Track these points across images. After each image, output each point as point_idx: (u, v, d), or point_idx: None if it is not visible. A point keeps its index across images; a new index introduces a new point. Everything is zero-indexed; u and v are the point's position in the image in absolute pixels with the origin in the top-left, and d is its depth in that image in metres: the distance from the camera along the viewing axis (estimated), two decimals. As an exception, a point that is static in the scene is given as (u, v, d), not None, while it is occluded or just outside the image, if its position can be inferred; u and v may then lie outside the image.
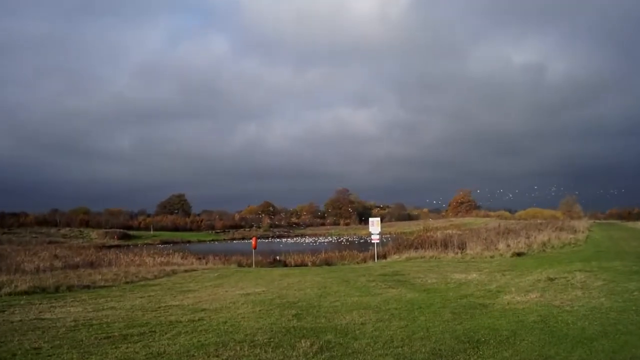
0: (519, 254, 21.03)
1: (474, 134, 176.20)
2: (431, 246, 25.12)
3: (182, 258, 26.32)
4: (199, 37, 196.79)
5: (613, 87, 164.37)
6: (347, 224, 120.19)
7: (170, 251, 31.00)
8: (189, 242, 70.67)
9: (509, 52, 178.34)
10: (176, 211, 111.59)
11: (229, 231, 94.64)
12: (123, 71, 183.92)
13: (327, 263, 23.94)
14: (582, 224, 41.72)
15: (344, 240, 59.22)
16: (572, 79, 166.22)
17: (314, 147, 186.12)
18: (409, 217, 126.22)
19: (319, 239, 67.24)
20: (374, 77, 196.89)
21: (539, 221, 49.47)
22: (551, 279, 11.47)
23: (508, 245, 23.53)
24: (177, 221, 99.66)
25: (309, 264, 24.05)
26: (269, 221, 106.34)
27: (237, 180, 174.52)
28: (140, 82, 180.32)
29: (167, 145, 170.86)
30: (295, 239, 71.91)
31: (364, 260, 24.09)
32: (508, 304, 8.97)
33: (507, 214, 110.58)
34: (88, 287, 13.66)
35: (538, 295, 9.61)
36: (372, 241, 24.80)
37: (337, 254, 26.63)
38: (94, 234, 73.46)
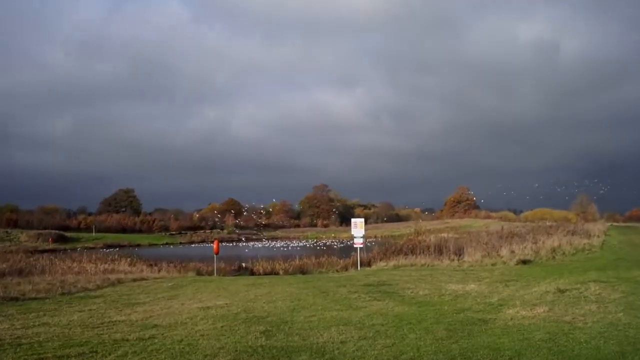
0: (524, 262, 21.38)
1: (476, 122, 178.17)
2: (423, 252, 25.44)
3: (130, 265, 26.29)
4: (149, 2, 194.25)
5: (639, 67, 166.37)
6: (325, 226, 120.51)
7: (116, 256, 30.73)
8: (138, 245, 70.59)
9: (515, 27, 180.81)
10: (123, 209, 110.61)
11: (186, 233, 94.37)
12: (57, 43, 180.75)
13: (302, 271, 24.13)
14: (598, 227, 42.39)
15: (322, 244, 59.18)
16: (589, 58, 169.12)
17: (288, 136, 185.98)
18: (398, 218, 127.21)
19: (292, 242, 67.43)
20: (360, 55, 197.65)
21: (548, 224, 50.09)
22: (561, 291, 11.64)
23: (512, 252, 23.94)
24: (125, 221, 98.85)
25: (281, 272, 24.24)
26: (234, 222, 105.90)
27: (196, 173, 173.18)
28: (79, 56, 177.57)
29: (112, 131, 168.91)
30: (264, 242, 71.88)
31: (345, 268, 24.25)
32: (511, 319, 9.09)
33: (511, 215, 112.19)
34: (16, 299, 13.40)
35: (546, 309, 9.74)
36: (355, 246, 24.92)
37: (313, 260, 26.77)
38: (23, 236, 72.29)
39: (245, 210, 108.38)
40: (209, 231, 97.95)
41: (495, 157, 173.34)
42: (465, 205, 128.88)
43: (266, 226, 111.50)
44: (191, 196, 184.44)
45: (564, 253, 23.97)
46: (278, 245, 60.36)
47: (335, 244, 60.31)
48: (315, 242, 65.77)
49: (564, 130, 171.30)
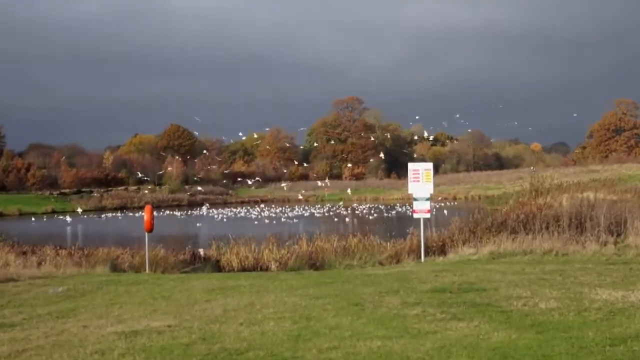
0: None
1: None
2: (547, 228, 25.38)
3: (-15, 253, 26.08)
4: None
5: None
6: (359, 177, 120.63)
7: (-41, 237, 30.81)
8: (0, 215, 71.34)
9: None
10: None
11: (90, 192, 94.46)
12: None
13: (314, 264, 24.51)
14: None
15: (351, 212, 59.19)
16: None
17: (280, 4, 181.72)
18: (499, 164, 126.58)
19: (294, 210, 68.09)
20: None
21: None
22: None
23: None
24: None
25: (273, 266, 24.66)
26: (182, 170, 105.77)
27: (106, 77, 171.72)
28: None
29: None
30: (239, 210, 72.76)
31: (396, 259, 24.65)
32: None
33: None
34: None
35: None
36: (416, 216, 25.64)
37: (335, 243, 27.03)
38: None
39: (203, 150, 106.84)
40: (135, 189, 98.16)
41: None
42: (629, 138, 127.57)
43: (243, 178, 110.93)
44: (99, 122, 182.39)
45: None
46: (266, 214, 60.60)
47: (377, 210, 60.26)
48: (340, 209, 66.16)
49: None
